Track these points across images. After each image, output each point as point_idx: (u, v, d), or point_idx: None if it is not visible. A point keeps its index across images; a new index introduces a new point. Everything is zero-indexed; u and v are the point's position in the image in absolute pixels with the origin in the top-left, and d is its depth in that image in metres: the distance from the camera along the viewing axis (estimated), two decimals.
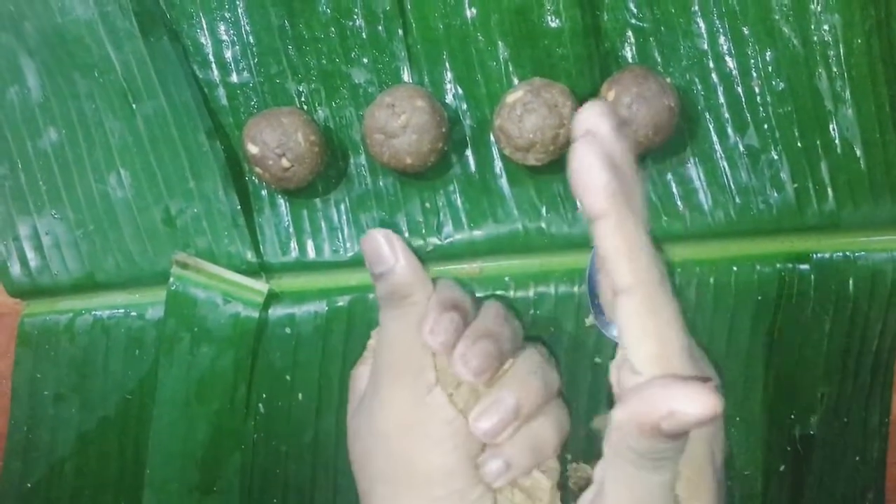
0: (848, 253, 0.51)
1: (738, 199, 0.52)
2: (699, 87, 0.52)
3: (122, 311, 0.52)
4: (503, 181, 0.52)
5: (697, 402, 0.29)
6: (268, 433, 0.52)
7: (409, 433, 0.41)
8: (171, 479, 0.52)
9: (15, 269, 0.52)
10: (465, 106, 0.52)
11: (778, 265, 0.51)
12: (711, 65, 0.52)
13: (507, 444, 0.41)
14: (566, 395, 0.48)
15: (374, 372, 0.44)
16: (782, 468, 0.53)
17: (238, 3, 0.51)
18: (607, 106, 0.33)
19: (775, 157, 0.51)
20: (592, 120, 0.33)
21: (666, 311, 0.32)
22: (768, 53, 0.51)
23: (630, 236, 0.31)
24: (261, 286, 0.51)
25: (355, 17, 0.52)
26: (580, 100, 0.50)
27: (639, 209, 0.32)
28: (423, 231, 0.52)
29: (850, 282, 0.51)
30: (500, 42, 0.52)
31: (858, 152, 0.51)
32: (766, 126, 0.51)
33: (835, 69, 0.51)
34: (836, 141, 0.51)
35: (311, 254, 0.52)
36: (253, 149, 0.49)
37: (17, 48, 0.51)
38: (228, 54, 0.52)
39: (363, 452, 0.43)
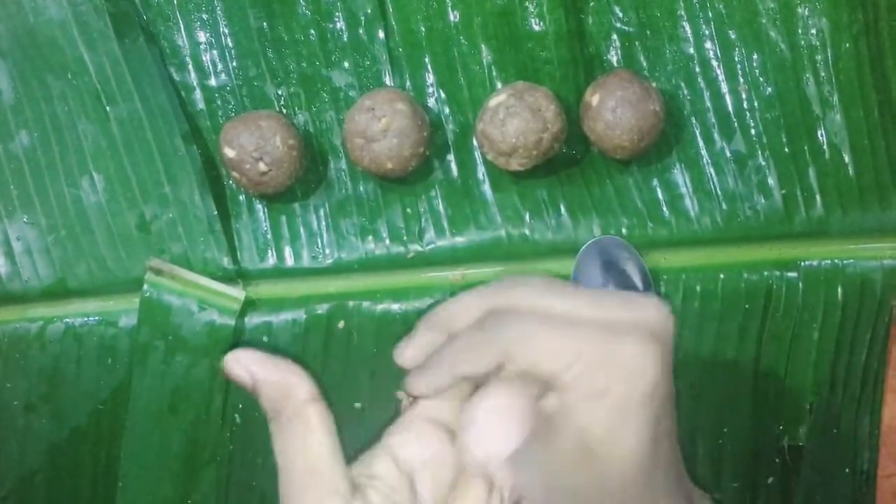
0: (836, 260, 0.50)
1: (724, 206, 0.51)
2: (685, 92, 0.51)
3: (94, 318, 0.51)
4: (486, 186, 0.51)
5: None
6: (244, 445, 0.51)
7: None
8: (145, 492, 0.50)
9: None
10: (447, 110, 0.51)
11: (765, 272, 0.51)
12: (698, 69, 0.51)
13: None
14: None
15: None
16: (770, 480, 0.52)
17: (216, 4, 0.51)
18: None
19: (762, 162, 0.51)
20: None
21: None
22: (755, 58, 0.51)
23: None
24: (237, 293, 0.50)
25: (336, 19, 0.51)
26: (564, 103, 0.49)
27: None
28: (405, 237, 0.51)
29: (839, 289, 0.50)
30: (483, 45, 0.51)
31: (847, 158, 0.50)
32: (752, 131, 0.51)
33: (822, 73, 0.50)
34: (825, 146, 0.51)
35: (290, 260, 0.51)
36: (230, 152, 0.48)
37: None
38: (206, 57, 0.51)
39: None
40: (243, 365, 0.39)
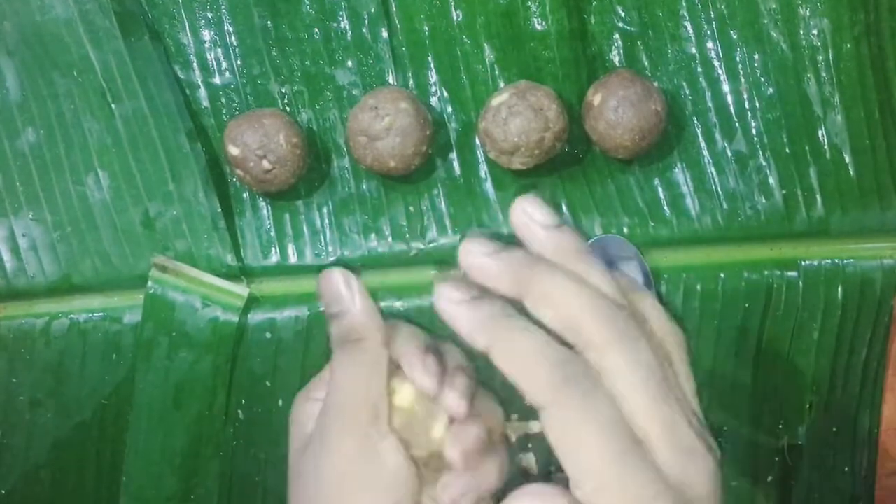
0: (836, 260, 0.51)
1: (725, 205, 0.51)
2: (687, 92, 0.51)
3: (99, 314, 0.51)
4: (488, 185, 0.52)
5: None
6: (247, 440, 0.51)
7: (354, 482, 0.39)
8: (149, 487, 0.51)
9: None
10: (449, 109, 0.52)
11: (766, 272, 0.51)
12: (699, 69, 0.51)
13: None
14: None
15: (323, 413, 0.42)
16: (770, 478, 0.52)
17: (221, 3, 0.51)
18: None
19: (763, 162, 0.51)
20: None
21: (585, 426, 0.29)
22: (757, 58, 0.51)
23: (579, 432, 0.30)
24: (241, 290, 0.50)
25: (340, 18, 0.51)
26: (566, 103, 0.49)
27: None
28: (407, 235, 0.51)
29: (839, 289, 0.51)
30: (485, 45, 0.51)
31: (847, 158, 0.51)
32: (754, 131, 0.51)
33: (824, 74, 0.50)
34: (825, 146, 0.51)
35: (293, 258, 0.52)
36: (234, 150, 0.48)
37: None
38: (210, 55, 0.51)
39: (305, 497, 0.42)
40: (347, 280, 0.45)
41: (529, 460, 0.40)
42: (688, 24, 0.51)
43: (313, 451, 0.41)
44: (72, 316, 0.51)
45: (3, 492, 0.52)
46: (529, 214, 0.34)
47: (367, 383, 0.41)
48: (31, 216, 0.51)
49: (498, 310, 0.32)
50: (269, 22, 0.51)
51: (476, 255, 0.34)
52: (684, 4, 0.51)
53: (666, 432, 0.30)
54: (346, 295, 0.45)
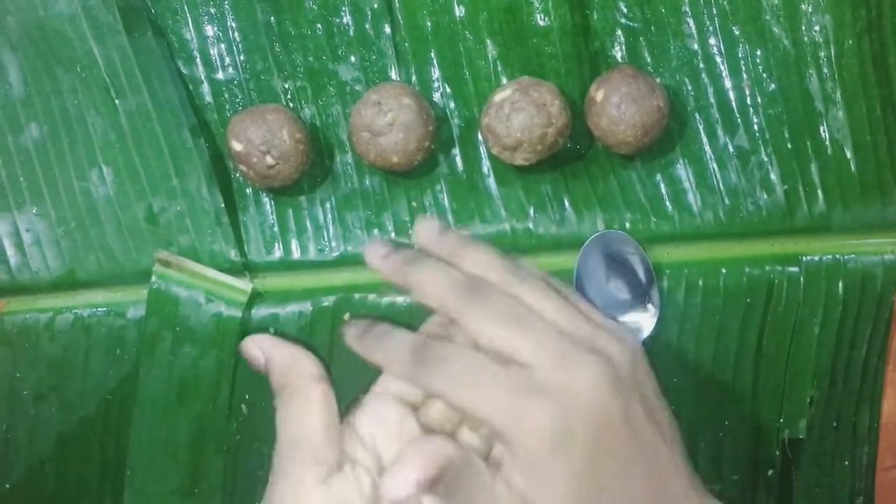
0: (838, 256, 0.51)
1: (727, 201, 0.51)
2: (689, 88, 0.51)
3: (103, 309, 0.51)
4: (491, 181, 0.52)
5: None
6: (251, 435, 0.52)
7: None
8: (153, 481, 0.51)
9: None
10: (452, 104, 0.52)
11: (767, 267, 0.51)
12: (701, 65, 0.51)
13: None
14: None
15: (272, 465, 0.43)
16: (770, 472, 0.52)
17: None
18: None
19: (765, 158, 0.51)
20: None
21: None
22: (759, 54, 0.51)
23: None
24: (244, 285, 0.50)
25: (343, 13, 0.51)
26: (569, 99, 0.49)
27: None
28: (410, 231, 0.51)
29: (840, 285, 0.51)
30: (488, 40, 0.51)
31: (849, 154, 0.51)
32: (756, 127, 0.51)
33: (826, 70, 0.51)
34: (827, 143, 0.51)
35: (296, 253, 0.52)
36: (237, 146, 0.48)
37: None
38: (214, 51, 0.51)
39: None
40: (258, 343, 0.46)
41: None
42: (690, 20, 0.51)
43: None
44: (76, 311, 0.52)
45: (8, 486, 0.52)
46: (420, 227, 0.44)
47: (300, 427, 0.41)
48: (34, 211, 0.51)
49: (410, 256, 0.42)
50: (272, 17, 0.51)
51: (373, 257, 0.43)
52: (686, 0, 0.51)
53: (534, 357, 0.37)
54: (258, 354, 0.46)
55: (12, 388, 0.52)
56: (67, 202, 0.51)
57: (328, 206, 0.52)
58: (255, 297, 0.51)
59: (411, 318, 0.47)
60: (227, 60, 0.51)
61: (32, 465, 0.52)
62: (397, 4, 0.51)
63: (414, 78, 0.52)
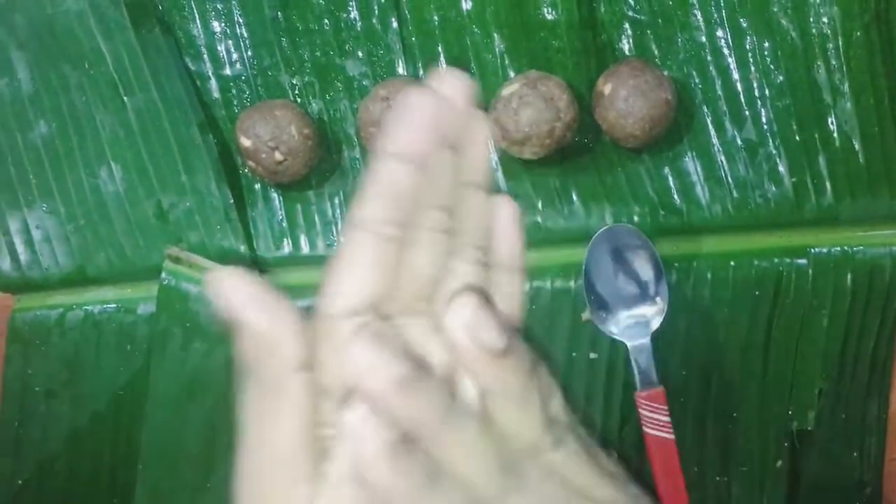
0: (846, 247, 0.51)
1: (735, 194, 0.51)
2: (697, 80, 0.51)
3: (113, 306, 0.52)
4: (499, 175, 0.52)
5: None
6: None
7: None
8: (164, 477, 0.51)
9: (5, 263, 0.52)
10: None
11: (775, 260, 0.51)
12: (709, 57, 0.51)
13: None
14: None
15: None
16: (779, 464, 0.52)
17: None
18: (380, 343, 0.26)
19: (773, 150, 0.51)
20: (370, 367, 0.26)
21: None
22: (766, 46, 0.51)
23: None
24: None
25: (350, 8, 0.51)
26: (576, 92, 0.49)
27: None
28: None
29: (848, 276, 0.51)
30: (495, 34, 0.51)
31: (857, 146, 0.51)
32: (763, 119, 0.51)
33: (833, 62, 0.50)
34: (835, 134, 0.51)
35: (305, 248, 0.52)
36: (246, 142, 0.48)
37: (7, 40, 0.50)
38: (221, 46, 0.52)
39: None
40: (230, 294, 0.28)
41: None
42: (697, 12, 0.51)
43: None
44: (86, 307, 0.52)
45: (20, 482, 0.53)
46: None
47: (273, 434, 0.29)
48: (44, 208, 0.51)
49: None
50: (279, 13, 0.51)
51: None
52: None
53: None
54: (227, 306, 0.29)
55: (24, 384, 0.52)
56: (77, 199, 0.51)
57: (336, 200, 0.52)
58: None
59: None
60: (235, 56, 0.52)
61: (44, 461, 0.52)
62: None
63: (421, 73, 0.52)
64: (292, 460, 0.29)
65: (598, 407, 0.51)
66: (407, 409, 0.26)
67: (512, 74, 0.51)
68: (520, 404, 0.29)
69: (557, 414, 0.31)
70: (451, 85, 0.28)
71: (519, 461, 0.29)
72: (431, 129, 0.27)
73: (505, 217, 0.31)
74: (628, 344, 0.49)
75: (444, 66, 0.52)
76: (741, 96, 0.51)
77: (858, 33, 0.50)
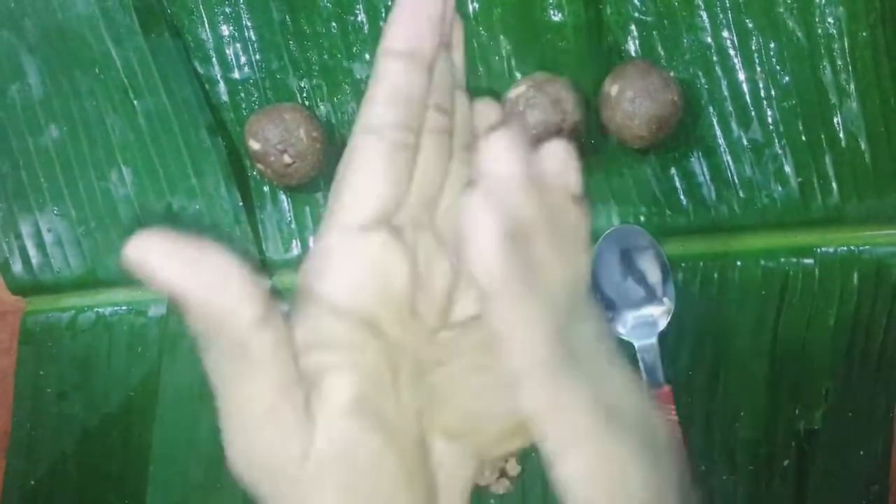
0: (852, 247, 0.51)
1: (741, 194, 0.51)
2: (703, 81, 0.52)
3: (124, 308, 0.52)
4: None
5: None
6: None
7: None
8: (175, 477, 0.51)
9: (17, 266, 0.52)
10: None
11: (782, 259, 0.51)
12: (715, 58, 0.51)
13: None
14: None
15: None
16: (786, 463, 0.53)
17: None
18: (516, 140, 0.24)
19: (779, 151, 0.51)
20: (498, 159, 0.23)
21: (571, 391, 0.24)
22: (772, 46, 0.51)
23: (525, 318, 0.22)
24: (262, 283, 0.51)
25: (357, 11, 0.52)
26: (583, 94, 0.50)
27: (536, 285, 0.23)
28: None
29: (855, 276, 0.51)
30: (502, 37, 0.51)
31: (863, 146, 0.51)
32: (769, 119, 0.51)
33: (839, 62, 0.51)
34: (841, 134, 0.51)
35: None
36: (255, 145, 0.49)
37: (18, 45, 0.51)
38: (229, 50, 0.52)
39: None
40: (155, 263, 0.23)
41: None
42: (703, 13, 0.51)
43: None
44: (97, 309, 0.52)
45: (33, 482, 0.53)
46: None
47: (241, 390, 0.25)
48: (55, 211, 0.52)
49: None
50: (287, 16, 0.52)
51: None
52: None
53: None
54: (162, 283, 0.23)
55: (36, 385, 0.52)
56: (88, 202, 0.52)
57: None
58: (274, 295, 0.51)
59: None
60: (243, 59, 0.52)
61: (56, 462, 0.53)
62: None
63: None
64: (275, 416, 0.25)
65: None
66: (530, 206, 0.24)
67: (518, 76, 0.51)
68: (559, 245, 0.25)
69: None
70: None
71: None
72: (434, 25, 0.26)
73: (493, 119, 0.30)
74: (635, 344, 0.49)
75: None
76: (747, 97, 0.51)
77: (864, 33, 0.50)
